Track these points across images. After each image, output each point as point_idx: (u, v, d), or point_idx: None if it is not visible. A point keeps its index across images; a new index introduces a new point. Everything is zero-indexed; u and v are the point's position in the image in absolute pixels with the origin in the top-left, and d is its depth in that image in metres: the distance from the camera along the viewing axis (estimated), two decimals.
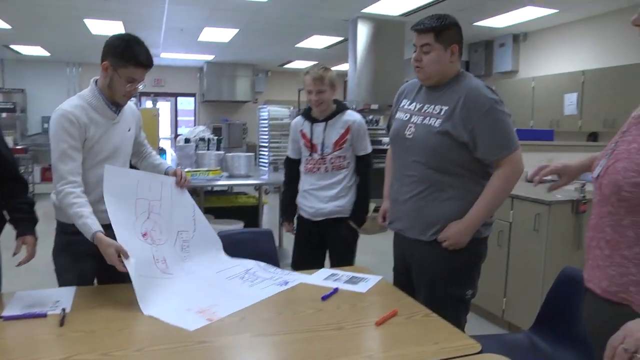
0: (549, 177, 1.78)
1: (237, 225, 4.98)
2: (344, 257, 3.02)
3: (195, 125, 11.56)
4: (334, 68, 2.93)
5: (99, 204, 2.07)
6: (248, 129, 12.61)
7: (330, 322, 1.73)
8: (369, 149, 3.02)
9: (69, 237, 2.14)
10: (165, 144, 8.98)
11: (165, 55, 10.83)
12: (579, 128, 6.95)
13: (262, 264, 2.33)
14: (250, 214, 5.67)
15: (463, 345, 1.56)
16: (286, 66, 12.50)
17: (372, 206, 3.09)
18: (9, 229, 2.09)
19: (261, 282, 2.12)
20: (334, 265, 3.01)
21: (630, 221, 1.22)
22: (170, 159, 6.10)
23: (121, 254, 1.87)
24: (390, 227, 2.37)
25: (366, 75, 7.19)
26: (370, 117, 7.71)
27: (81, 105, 2.07)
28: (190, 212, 2.34)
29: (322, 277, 2.23)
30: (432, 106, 2.13)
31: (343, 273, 2.29)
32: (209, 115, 13.20)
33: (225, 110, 13.26)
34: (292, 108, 6.73)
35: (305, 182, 3.05)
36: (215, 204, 5.57)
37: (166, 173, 2.38)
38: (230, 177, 4.96)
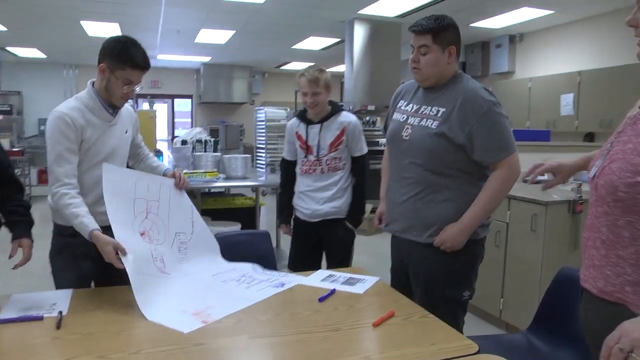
0: (545, 177, 1.78)
1: (234, 227, 4.97)
2: (341, 258, 3.02)
3: (192, 127, 11.55)
4: (330, 69, 2.94)
5: (96, 206, 2.07)
6: (245, 130, 12.62)
7: (328, 323, 1.73)
8: (364, 150, 3.02)
9: (66, 240, 2.14)
10: (162, 145, 8.95)
11: (162, 57, 10.82)
12: (575, 128, 6.96)
13: (259, 268, 2.32)
14: (248, 216, 5.65)
15: (460, 346, 1.56)
16: (283, 67, 12.51)
17: (368, 207, 3.10)
18: (4, 231, 2.09)
19: (257, 283, 2.12)
20: (331, 266, 3.00)
21: (625, 221, 1.22)
22: (167, 160, 6.09)
23: (119, 251, 1.87)
24: (387, 229, 2.36)
25: (363, 76, 7.19)
26: (367, 118, 7.71)
27: (78, 107, 2.07)
28: (189, 214, 2.34)
29: (319, 279, 2.23)
30: (429, 108, 2.13)
31: (340, 274, 2.29)
32: (206, 117, 13.19)
33: (222, 112, 13.26)
34: (289, 109, 6.71)
35: (301, 184, 3.05)
36: (212, 206, 5.56)
37: (164, 175, 2.38)
38: (227, 178, 4.95)
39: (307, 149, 2.97)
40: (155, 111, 7.54)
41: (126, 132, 2.28)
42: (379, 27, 7.22)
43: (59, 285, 2.15)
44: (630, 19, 1.28)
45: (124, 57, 2.02)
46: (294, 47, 9.55)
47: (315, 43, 9.16)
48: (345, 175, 2.99)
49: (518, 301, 3.55)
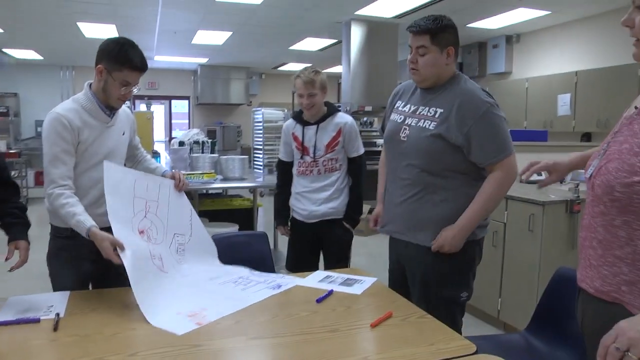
0: (541, 176, 1.79)
1: (231, 228, 4.98)
2: (339, 258, 3.02)
3: (189, 128, 11.54)
4: (328, 70, 2.95)
5: (94, 207, 2.07)
6: (242, 131, 12.62)
7: (325, 324, 1.73)
8: (361, 150, 3.02)
9: (64, 241, 2.14)
10: (159, 147, 8.95)
11: (159, 58, 10.81)
12: (572, 129, 6.98)
13: (256, 272, 2.31)
14: (245, 217, 5.66)
15: (458, 346, 1.56)
16: (280, 68, 12.51)
17: (366, 208, 3.10)
18: (0, 233, 2.08)
19: (254, 285, 2.12)
20: (329, 266, 3.01)
21: (622, 221, 1.22)
22: (164, 162, 6.08)
23: (117, 246, 1.86)
24: (384, 230, 2.36)
25: (360, 77, 7.19)
26: (365, 119, 7.71)
27: (75, 109, 2.08)
28: (188, 216, 2.34)
29: (316, 280, 2.23)
30: (427, 108, 2.12)
31: (338, 275, 2.29)
32: (203, 118, 13.18)
33: (220, 113, 13.25)
34: (286, 110, 6.70)
35: (298, 185, 3.05)
36: (210, 207, 5.56)
37: (163, 176, 2.37)
38: (225, 179, 4.95)
39: (303, 150, 2.97)
40: (152, 112, 7.52)
41: (123, 134, 2.27)
42: (376, 28, 7.22)
43: (57, 287, 2.15)
44: (625, 19, 1.28)
45: (122, 58, 2.03)
46: (291, 48, 9.55)
47: (312, 44, 9.16)
48: (342, 176, 2.99)
49: (516, 301, 3.55)
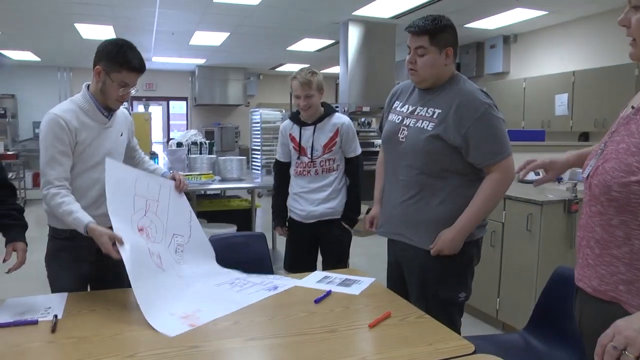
0: (536, 176, 1.79)
1: (230, 229, 4.97)
2: (338, 258, 3.02)
3: (187, 129, 11.53)
4: (325, 71, 2.95)
5: (92, 208, 2.07)
6: (240, 132, 12.62)
7: (323, 324, 1.73)
8: (358, 150, 3.03)
9: (62, 243, 2.15)
10: (157, 148, 8.94)
11: (156, 60, 10.80)
12: (570, 128, 6.99)
13: (254, 275, 2.30)
14: (243, 218, 5.65)
15: (457, 346, 1.56)
16: (278, 69, 12.51)
17: (364, 208, 3.10)
18: None
19: (251, 287, 2.11)
20: (327, 266, 3.01)
21: (619, 221, 1.23)
22: (162, 163, 6.08)
23: (116, 241, 1.87)
24: (381, 231, 2.35)
25: (358, 77, 7.20)
26: (362, 119, 7.72)
27: (72, 109, 2.08)
28: (187, 218, 2.34)
29: (314, 280, 2.23)
30: (425, 109, 2.12)
31: (336, 275, 2.28)
32: (201, 119, 13.18)
33: (218, 114, 13.24)
34: (284, 111, 6.71)
35: (296, 185, 3.05)
36: (208, 208, 5.56)
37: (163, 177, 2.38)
38: (223, 180, 4.95)
39: (300, 151, 2.97)
40: (150, 113, 7.52)
41: (121, 135, 2.28)
42: (374, 29, 7.23)
43: (55, 288, 2.15)
44: (622, 19, 1.28)
45: (120, 59, 2.03)
46: (288, 48, 9.55)
47: (309, 44, 9.16)
48: (339, 176, 3.00)
49: (514, 301, 3.55)
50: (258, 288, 2.09)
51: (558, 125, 7.13)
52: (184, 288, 2.02)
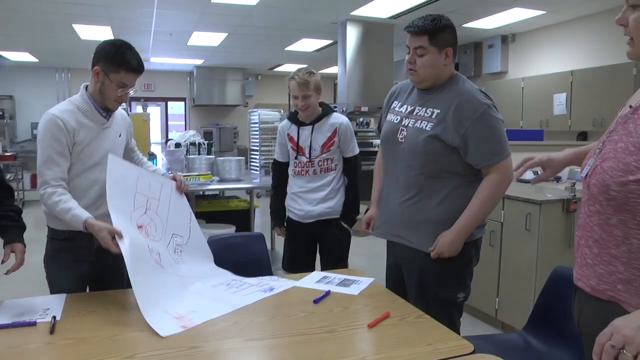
0: (532, 176, 1.79)
1: (228, 230, 4.97)
2: (338, 258, 3.02)
3: (185, 130, 11.52)
4: (324, 71, 2.96)
5: (91, 209, 2.07)
6: (239, 132, 12.61)
7: (323, 325, 1.73)
8: (356, 150, 3.04)
9: (61, 243, 2.14)
10: (155, 148, 8.94)
11: (154, 60, 10.80)
12: (568, 128, 6.99)
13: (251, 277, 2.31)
14: (242, 218, 5.65)
15: (456, 346, 1.56)
16: (276, 69, 12.51)
17: (363, 208, 3.10)
18: None
19: (247, 288, 2.11)
20: (327, 266, 3.01)
21: (617, 220, 1.23)
22: (160, 163, 6.08)
23: (115, 234, 1.87)
24: (379, 233, 2.33)
25: (356, 77, 7.20)
26: (361, 119, 7.72)
27: (70, 110, 2.08)
28: (187, 219, 2.33)
29: (314, 280, 2.22)
30: (424, 109, 2.11)
31: (335, 275, 2.28)
32: (200, 120, 13.18)
33: (216, 115, 13.24)
34: (282, 111, 6.71)
35: (294, 185, 3.05)
36: (207, 209, 5.55)
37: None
38: (221, 181, 4.94)
39: (298, 150, 2.97)
40: (148, 114, 7.52)
41: (120, 136, 2.28)
42: (372, 29, 7.24)
43: (54, 289, 2.14)
44: (619, 18, 1.28)
45: (119, 60, 2.03)
46: (287, 49, 9.55)
47: (308, 45, 9.16)
48: (337, 176, 3.00)
49: (513, 300, 3.55)
50: (254, 289, 2.09)
51: (556, 125, 7.13)
52: (181, 288, 2.02)
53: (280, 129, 3.12)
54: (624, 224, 1.21)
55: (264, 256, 2.63)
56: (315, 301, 1.94)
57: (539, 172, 1.81)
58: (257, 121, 6.43)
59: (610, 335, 1.07)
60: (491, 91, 6.96)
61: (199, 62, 11.47)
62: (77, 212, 1.95)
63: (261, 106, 10.52)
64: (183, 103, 13.34)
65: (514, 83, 7.97)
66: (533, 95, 7.55)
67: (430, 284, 2.12)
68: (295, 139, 2.98)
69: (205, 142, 5.78)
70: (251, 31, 8.03)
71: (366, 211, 2.50)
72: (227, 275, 2.26)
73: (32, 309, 1.82)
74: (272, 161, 3.30)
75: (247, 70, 12.73)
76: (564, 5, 6.52)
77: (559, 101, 7.07)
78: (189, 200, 2.43)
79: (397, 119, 2.19)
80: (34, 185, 10.01)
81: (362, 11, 6.76)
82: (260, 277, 2.27)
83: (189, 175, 4.63)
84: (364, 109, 7.18)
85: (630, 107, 1.29)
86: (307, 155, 2.95)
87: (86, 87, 2.13)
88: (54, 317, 1.72)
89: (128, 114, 2.54)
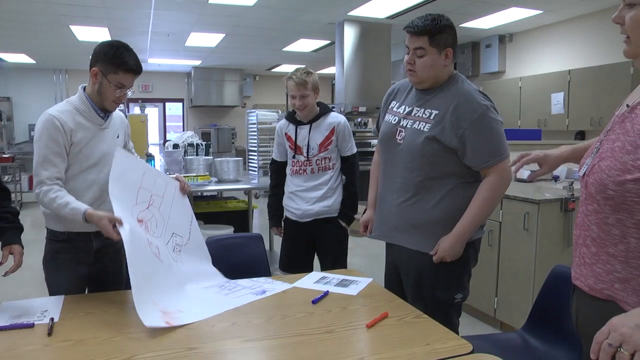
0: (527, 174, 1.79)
1: (227, 230, 4.97)
2: (336, 257, 3.02)
3: (183, 131, 11.52)
4: (321, 71, 2.96)
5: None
6: (237, 133, 12.61)
7: (321, 325, 1.73)
8: (354, 149, 3.04)
9: (60, 245, 2.14)
10: (153, 149, 8.93)
11: (152, 61, 10.79)
12: (566, 127, 7.00)
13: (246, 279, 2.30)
14: (240, 219, 5.65)
15: (455, 346, 1.56)
16: (274, 70, 12.52)
17: (361, 208, 3.10)
18: None
19: (239, 290, 2.10)
20: (325, 265, 3.01)
21: (615, 219, 1.23)
22: (158, 164, 6.07)
23: (116, 222, 1.87)
24: (375, 235, 2.32)
25: (354, 77, 7.20)
26: (359, 119, 7.72)
27: (68, 110, 2.08)
28: (188, 220, 2.33)
29: (312, 281, 2.22)
30: (422, 110, 2.09)
31: (333, 276, 2.28)
32: (198, 121, 13.17)
33: (214, 115, 13.24)
34: (280, 112, 6.71)
35: (291, 184, 3.05)
36: (205, 209, 5.55)
37: None
38: (219, 182, 4.94)
39: (296, 149, 2.98)
40: (146, 115, 7.51)
41: (117, 137, 2.27)
42: (369, 29, 7.24)
43: (53, 291, 2.14)
44: (616, 16, 1.28)
45: (117, 61, 2.04)
46: (284, 49, 9.55)
47: (305, 45, 9.17)
48: (335, 175, 3.01)
49: (512, 300, 3.56)
50: (246, 292, 2.08)
51: (554, 124, 7.14)
52: (174, 285, 2.01)
53: (278, 128, 3.13)
54: (622, 223, 1.21)
55: (262, 257, 2.63)
56: (314, 301, 1.94)
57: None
58: (255, 122, 6.42)
59: (607, 333, 1.07)
60: (489, 91, 6.99)
61: (197, 63, 11.47)
62: (76, 205, 1.95)
63: (259, 107, 10.53)
64: (181, 104, 13.34)
65: (512, 83, 7.98)
66: (531, 94, 7.56)
67: (428, 285, 2.12)
68: (293, 138, 2.99)
69: (203, 143, 5.77)
70: (248, 32, 8.03)
71: (364, 212, 2.49)
72: (221, 277, 2.26)
73: (29, 310, 1.82)
74: (270, 161, 3.30)
75: (245, 70, 12.73)
76: (561, 4, 6.53)
77: (557, 100, 7.08)
78: None
79: (395, 120, 2.18)
80: (31, 187, 9.91)
81: (360, 11, 6.76)
82: (254, 279, 2.26)
83: (187, 176, 4.63)
84: (362, 109, 7.18)
85: (628, 106, 1.29)
86: (305, 154, 2.96)
87: (84, 88, 2.14)
88: (52, 319, 1.72)
89: (126, 116, 2.54)
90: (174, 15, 6.96)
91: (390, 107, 2.27)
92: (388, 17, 7.04)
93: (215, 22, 7.35)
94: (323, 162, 2.96)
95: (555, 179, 4.24)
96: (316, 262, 3.13)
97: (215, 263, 2.35)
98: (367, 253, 5.23)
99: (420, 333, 1.67)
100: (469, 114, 1.98)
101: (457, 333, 1.93)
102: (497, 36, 8.30)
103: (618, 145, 1.23)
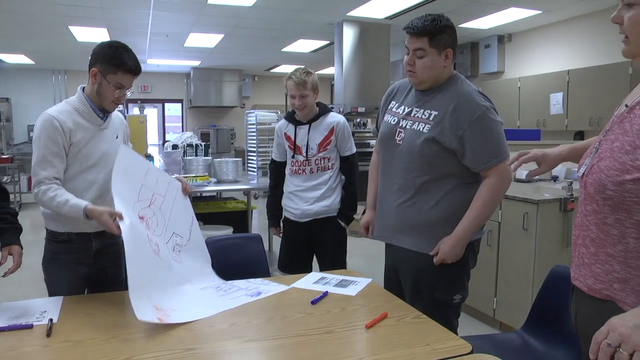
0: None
1: (226, 231, 4.96)
2: (335, 256, 3.02)
3: (182, 131, 11.52)
4: (320, 71, 2.97)
5: None
6: (236, 134, 12.61)
7: (320, 325, 1.72)
8: (353, 149, 3.05)
9: (60, 246, 2.14)
10: (153, 150, 8.93)
11: (151, 62, 10.79)
12: (565, 127, 7.01)
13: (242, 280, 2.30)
14: (240, 219, 5.64)
15: (454, 346, 1.56)
16: (273, 70, 12.51)
17: (361, 208, 3.10)
18: None
19: (235, 291, 2.10)
20: (323, 265, 3.01)
21: (614, 219, 1.23)
22: (158, 165, 6.07)
23: (116, 216, 1.87)
24: (377, 235, 2.32)
25: (353, 78, 7.20)
26: (358, 120, 7.72)
27: (67, 110, 2.08)
28: (189, 220, 2.33)
29: (311, 281, 2.22)
30: (422, 110, 2.09)
31: (333, 276, 2.28)
32: (197, 121, 13.17)
33: (213, 116, 13.24)
34: (279, 112, 6.71)
35: (291, 184, 3.05)
36: (204, 210, 5.55)
37: None
38: (219, 182, 4.94)
39: (295, 149, 2.98)
40: (145, 116, 7.52)
41: (117, 137, 2.27)
42: (368, 29, 7.24)
43: (53, 291, 2.14)
44: (614, 16, 1.28)
45: (116, 61, 2.04)
46: (283, 50, 9.55)
47: (304, 46, 9.17)
48: (334, 175, 3.01)
49: (511, 300, 3.55)
50: (241, 293, 2.07)
51: (553, 124, 7.15)
52: (171, 284, 2.01)
53: (277, 128, 3.13)
54: (621, 223, 1.21)
55: (261, 257, 2.63)
56: (313, 302, 1.94)
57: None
58: (254, 122, 6.42)
59: (606, 333, 1.07)
60: (488, 91, 6.99)
61: (196, 63, 11.47)
62: (75, 202, 1.95)
63: (258, 107, 10.53)
64: (180, 104, 13.33)
65: (511, 83, 7.98)
66: (530, 95, 7.56)
67: (427, 285, 2.11)
68: (292, 138, 2.99)
69: (203, 143, 5.77)
70: (248, 32, 8.03)
71: (363, 212, 2.49)
72: (217, 279, 2.25)
73: (28, 311, 1.82)
74: (269, 162, 3.30)
75: (244, 71, 12.73)
76: (560, 5, 6.54)
77: (556, 101, 7.08)
78: None
79: (394, 120, 2.18)
80: (30, 187, 9.96)
81: (359, 12, 6.76)
82: (251, 280, 2.25)
83: (186, 177, 4.63)
84: (361, 109, 7.18)
85: (627, 106, 1.29)
86: (304, 154, 2.96)
87: (83, 89, 2.14)
88: (51, 320, 1.71)
89: (125, 116, 2.54)
90: (172, 16, 6.96)
91: (389, 108, 2.26)
92: (387, 18, 7.05)
93: (214, 22, 7.35)
94: (322, 162, 2.96)
95: (555, 179, 4.24)
96: (315, 262, 3.13)
97: (214, 263, 2.34)
98: (366, 253, 5.23)
99: (420, 333, 1.66)
100: (468, 115, 1.97)
101: (457, 333, 1.93)
102: (496, 36, 8.31)
103: (617, 145, 1.23)
